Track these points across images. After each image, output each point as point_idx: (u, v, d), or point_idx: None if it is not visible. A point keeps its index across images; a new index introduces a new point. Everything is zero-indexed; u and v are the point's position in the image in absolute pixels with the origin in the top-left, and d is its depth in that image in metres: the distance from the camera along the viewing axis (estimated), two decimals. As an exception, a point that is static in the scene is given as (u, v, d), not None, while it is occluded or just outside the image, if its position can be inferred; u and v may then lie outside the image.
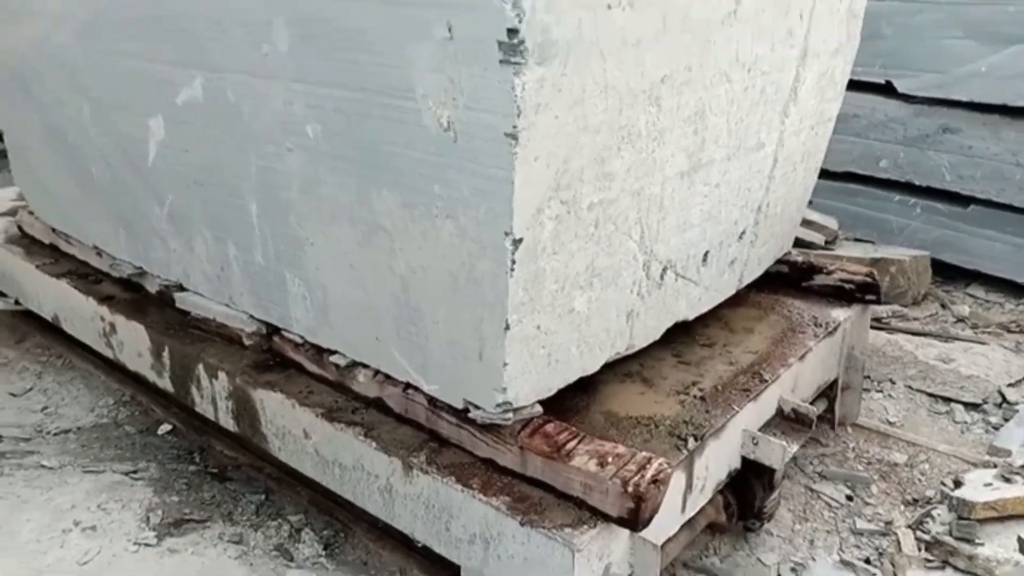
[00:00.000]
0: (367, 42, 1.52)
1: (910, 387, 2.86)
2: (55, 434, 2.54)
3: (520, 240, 1.47)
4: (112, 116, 2.31)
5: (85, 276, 2.75)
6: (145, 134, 2.19)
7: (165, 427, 2.57)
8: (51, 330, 2.97)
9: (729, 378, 2.04)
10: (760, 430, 2.00)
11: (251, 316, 2.21)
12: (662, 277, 1.91)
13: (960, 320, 3.41)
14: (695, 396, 1.95)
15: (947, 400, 2.78)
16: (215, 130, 1.97)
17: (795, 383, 2.18)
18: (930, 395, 2.81)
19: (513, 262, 1.48)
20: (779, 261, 2.55)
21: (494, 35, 1.30)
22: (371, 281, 1.79)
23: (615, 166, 1.59)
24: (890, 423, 2.65)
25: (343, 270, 1.85)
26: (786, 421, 2.12)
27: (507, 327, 1.55)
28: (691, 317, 2.13)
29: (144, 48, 2.07)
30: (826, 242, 3.56)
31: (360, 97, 1.59)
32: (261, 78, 1.78)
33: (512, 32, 1.28)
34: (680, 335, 2.15)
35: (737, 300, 2.37)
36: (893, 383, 2.88)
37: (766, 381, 2.04)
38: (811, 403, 2.25)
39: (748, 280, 2.38)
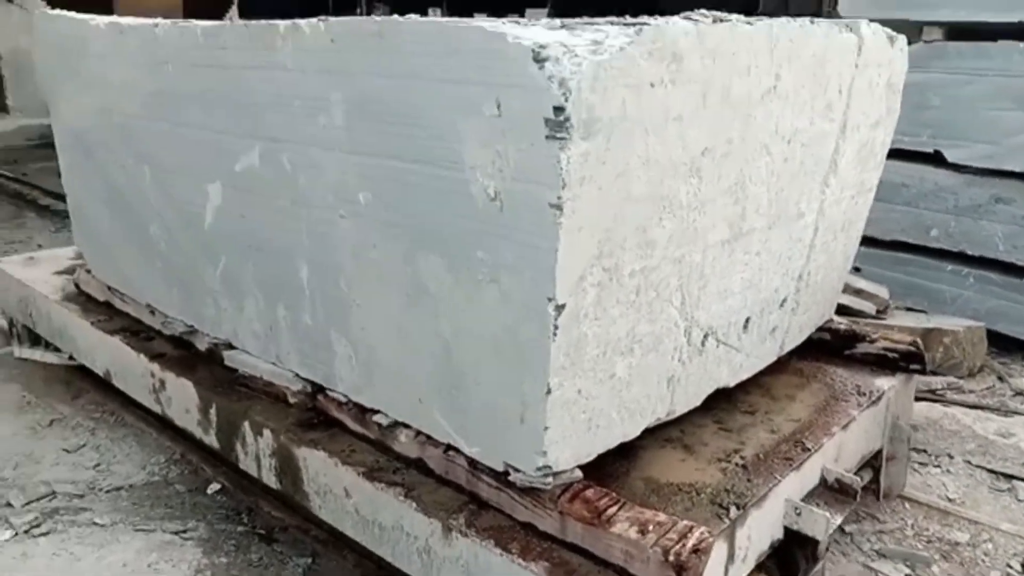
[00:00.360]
0: (420, 117, 1.60)
1: (969, 462, 2.78)
2: (107, 491, 2.58)
3: (563, 306, 1.50)
4: (172, 181, 2.43)
5: (137, 333, 2.83)
6: (203, 199, 2.29)
7: (214, 486, 2.60)
8: (105, 387, 3.05)
9: (771, 446, 2.03)
10: (803, 500, 1.97)
11: (297, 375, 2.26)
12: (703, 343, 1.92)
13: (1019, 394, 3.32)
14: (737, 464, 1.94)
15: (1009, 477, 2.69)
16: (271, 196, 2.06)
17: (838, 453, 2.15)
18: (991, 471, 2.73)
19: (555, 327, 1.51)
20: (821, 328, 2.54)
21: (541, 112, 1.36)
22: (416, 343, 1.83)
23: (657, 235, 1.62)
24: (950, 500, 2.57)
25: (389, 331, 1.90)
26: (830, 491, 2.08)
27: (548, 391, 1.57)
28: (732, 384, 2.13)
29: (206, 118, 2.19)
30: (877, 311, 3.51)
31: (411, 168, 1.66)
32: (317, 148, 1.86)
33: (558, 110, 1.34)
34: (721, 401, 2.15)
35: (778, 367, 2.36)
36: (951, 458, 2.80)
37: (809, 450, 2.02)
38: (855, 473, 2.22)
39: (789, 347, 2.37)
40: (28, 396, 3.20)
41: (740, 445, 2.02)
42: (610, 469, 1.86)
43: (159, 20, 2.30)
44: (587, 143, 1.38)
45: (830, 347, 2.54)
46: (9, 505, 2.48)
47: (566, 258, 1.46)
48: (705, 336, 1.92)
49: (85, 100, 2.75)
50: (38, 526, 2.37)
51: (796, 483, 1.97)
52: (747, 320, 2.06)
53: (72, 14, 2.72)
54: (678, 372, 1.88)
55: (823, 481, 2.09)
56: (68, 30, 2.72)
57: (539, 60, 1.34)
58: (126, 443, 2.87)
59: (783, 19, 1.74)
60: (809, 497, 2.03)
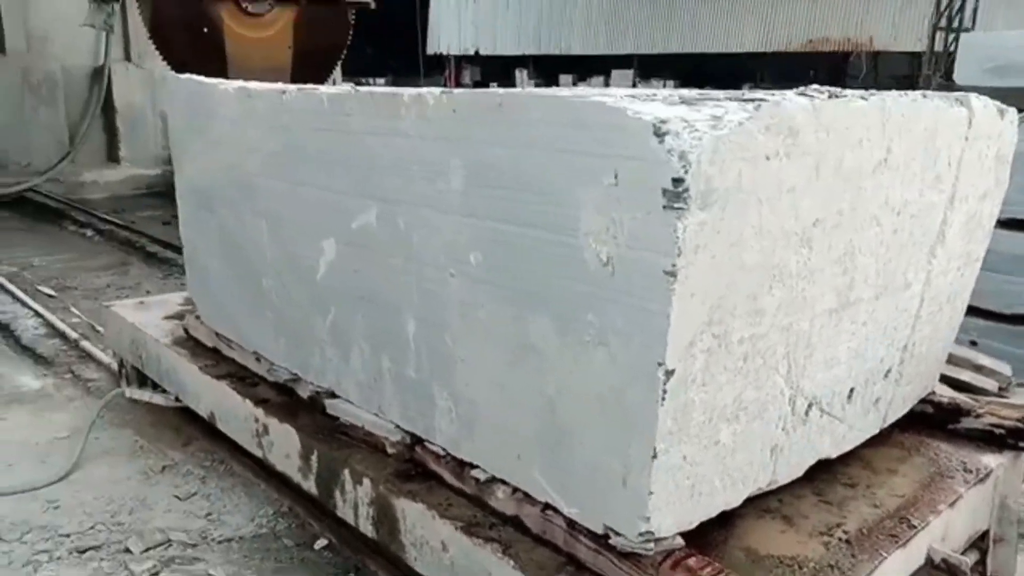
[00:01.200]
0: (536, 185, 1.67)
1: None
2: (219, 542, 2.61)
3: (672, 371, 1.53)
4: (288, 236, 2.56)
5: (243, 379, 2.93)
6: (317, 253, 2.41)
7: (321, 542, 2.61)
8: (213, 435, 3.12)
9: (875, 522, 1.97)
10: (909, 580, 1.91)
11: (397, 426, 2.32)
12: (807, 413, 1.91)
13: None
14: (839, 538, 1.89)
15: None
16: (384, 254, 2.16)
17: (945, 531, 2.08)
18: None
19: (664, 392, 1.54)
20: (923, 401, 2.48)
21: (659, 183, 1.41)
22: (518, 400, 1.88)
23: (766, 303, 1.64)
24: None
25: (492, 388, 1.95)
26: (936, 571, 2.01)
27: (654, 455, 1.58)
28: (834, 455, 2.09)
29: (325, 179, 2.32)
30: (1000, 389, 3.36)
31: (524, 232, 1.73)
32: (432, 210, 1.95)
33: (677, 181, 1.39)
34: (821, 473, 2.11)
35: (879, 440, 2.30)
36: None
37: (915, 527, 1.96)
38: (962, 554, 2.13)
39: (892, 419, 2.32)
40: (140, 441, 3.31)
41: (842, 519, 1.98)
42: (709, 538, 1.84)
43: (285, 86, 2.46)
44: (704, 213, 1.42)
45: (933, 420, 2.47)
46: (128, 551, 2.54)
47: (677, 324, 1.49)
48: (809, 405, 1.91)
49: (209, 157, 2.94)
50: (156, 574, 2.43)
51: (901, 561, 1.91)
52: (851, 390, 2.04)
53: (202, 78, 2.93)
54: (782, 441, 1.87)
55: (929, 561, 2.02)
56: (198, 92, 2.93)
57: (659, 134, 1.40)
58: (235, 493, 2.92)
59: (895, 93, 1.77)
60: (914, 577, 1.97)
